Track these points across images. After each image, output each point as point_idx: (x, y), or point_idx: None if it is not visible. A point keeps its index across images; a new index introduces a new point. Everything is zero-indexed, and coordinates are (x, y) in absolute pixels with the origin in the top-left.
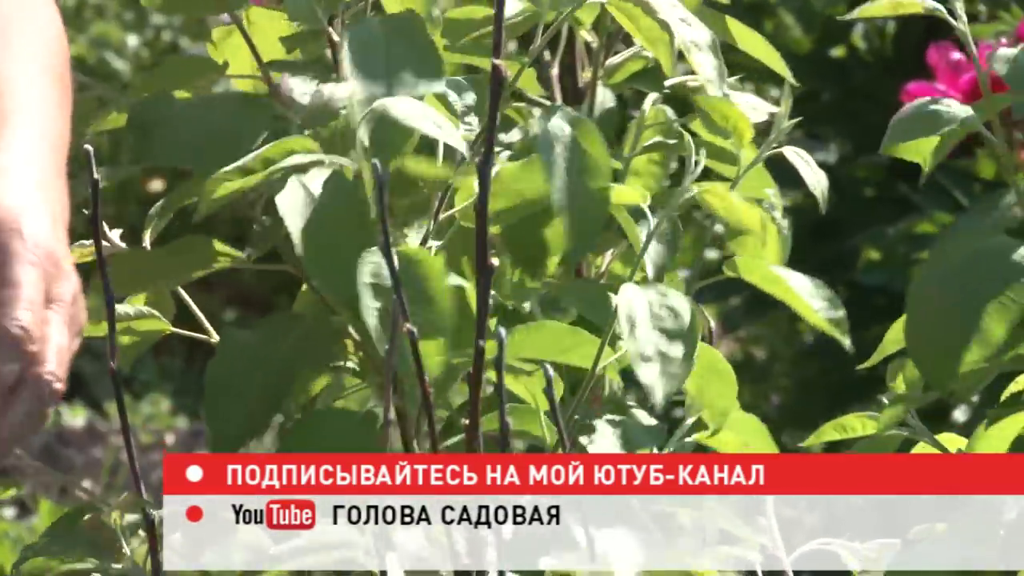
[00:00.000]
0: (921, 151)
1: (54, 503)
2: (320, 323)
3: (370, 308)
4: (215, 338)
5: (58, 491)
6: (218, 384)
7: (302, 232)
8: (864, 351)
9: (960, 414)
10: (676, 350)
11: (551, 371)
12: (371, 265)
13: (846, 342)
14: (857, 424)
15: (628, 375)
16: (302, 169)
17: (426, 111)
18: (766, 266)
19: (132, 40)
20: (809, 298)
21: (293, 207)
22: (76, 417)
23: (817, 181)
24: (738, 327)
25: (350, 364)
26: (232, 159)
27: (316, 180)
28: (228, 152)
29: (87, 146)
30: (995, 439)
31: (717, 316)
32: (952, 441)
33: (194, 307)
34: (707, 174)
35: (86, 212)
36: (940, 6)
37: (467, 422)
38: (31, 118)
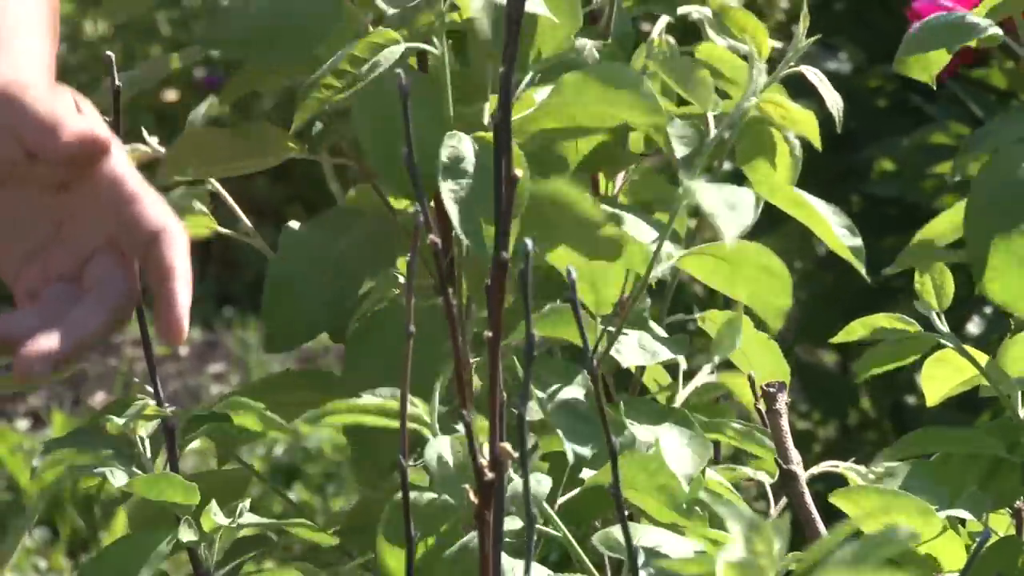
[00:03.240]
0: (929, 68)
1: (68, 415)
2: (382, 220)
3: (448, 191)
4: (255, 241)
5: (71, 403)
6: (280, 282)
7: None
8: (878, 262)
9: (974, 327)
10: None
11: (574, 273)
12: (449, 149)
13: (862, 270)
14: (885, 323)
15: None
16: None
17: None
18: (791, 188)
19: None
20: (834, 225)
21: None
22: None
23: (835, 101)
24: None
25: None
26: (305, 51)
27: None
28: (301, 43)
29: (108, 52)
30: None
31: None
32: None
33: (236, 209)
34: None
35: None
36: None
37: (489, 334)
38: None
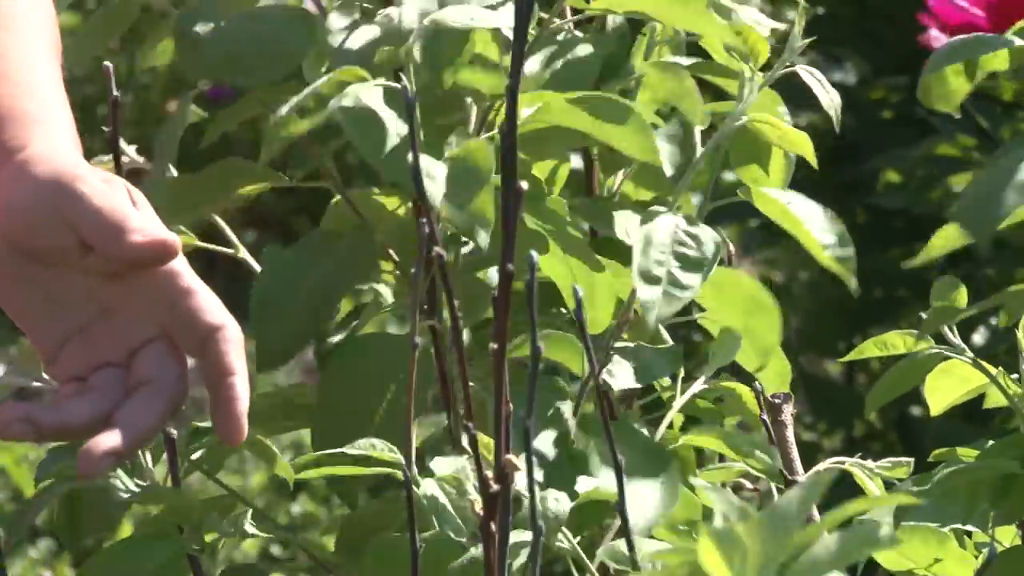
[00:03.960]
0: (953, 98)
1: None
2: (360, 241)
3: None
4: (243, 254)
5: None
6: (264, 301)
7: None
8: (884, 273)
9: (979, 337)
10: (690, 279)
11: (580, 292)
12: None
13: (852, 282)
14: (899, 341)
15: None
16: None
17: (480, 12)
18: (776, 197)
19: None
20: (819, 233)
21: (358, 124)
22: None
23: (831, 100)
24: (756, 250)
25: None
26: (280, 74)
27: (374, 97)
28: (276, 67)
29: (106, 63)
30: None
31: (735, 238)
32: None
33: (226, 228)
34: (718, 94)
35: (106, 130)
36: None
37: (494, 346)
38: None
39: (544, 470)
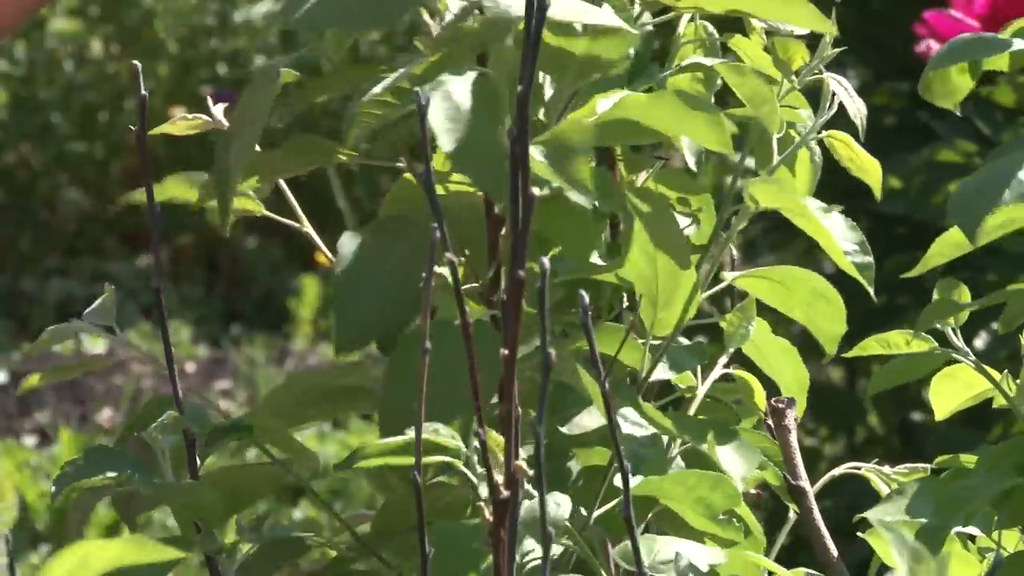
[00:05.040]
0: (954, 95)
1: (75, 432)
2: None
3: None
4: (307, 228)
5: (79, 419)
6: (346, 284)
7: (451, 133)
8: (885, 279)
9: (980, 342)
10: None
11: (586, 298)
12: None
13: (870, 288)
14: (900, 340)
15: None
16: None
17: (589, 9)
18: (796, 199)
19: None
20: (841, 240)
21: (440, 112)
22: (97, 345)
23: (857, 109)
24: (759, 254)
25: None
26: (380, 25)
27: (459, 87)
28: (377, 19)
29: (135, 61)
30: None
31: (738, 243)
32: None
33: (294, 203)
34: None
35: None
36: None
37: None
38: None
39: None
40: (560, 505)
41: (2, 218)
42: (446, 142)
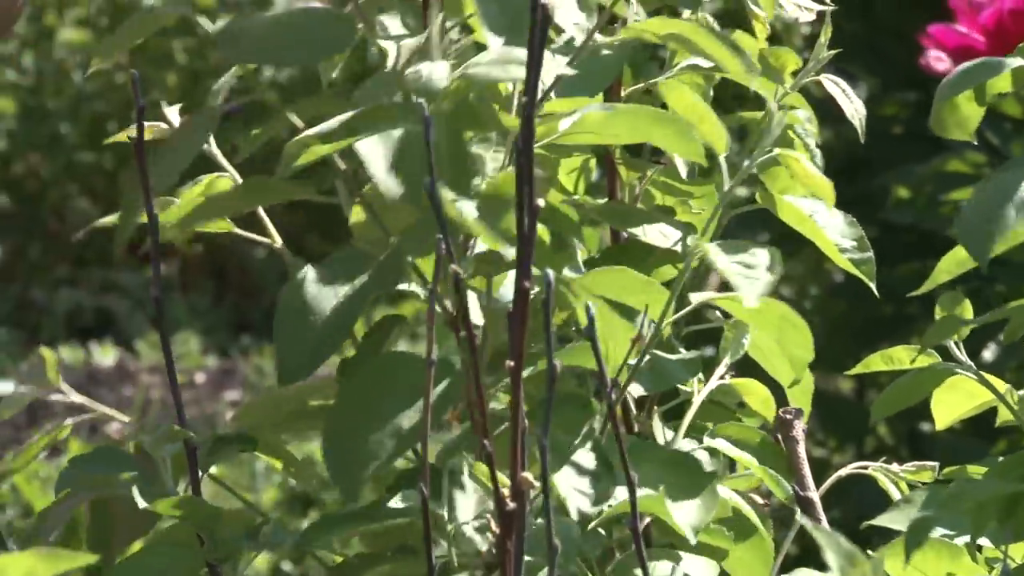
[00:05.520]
0: (967, 125)
1: (84, 442)
2: (391, 259)
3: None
4: (278, 242)
5: (88, 430)
6: (289, 317)
7: (387, 171)
8: (894, 289)
9: (989, 354)
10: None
11: (593, 309)
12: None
13: (872, 285)
14: (904, 355)
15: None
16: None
17: (504, 65)
18: (798, 205)
19: None
20: (838, 238)
21: (375, 153)
22: (106, 356)
23: (855, 110)
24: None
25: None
26: (315, 60)
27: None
28: (310, 54)
29: (133, 71)
30: None
31: None
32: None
33: (267, 220)
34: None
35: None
36: None
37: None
38: None
39: (588, 479)
40: (571, 529)
41: (11, 228)
42: (385, 188)
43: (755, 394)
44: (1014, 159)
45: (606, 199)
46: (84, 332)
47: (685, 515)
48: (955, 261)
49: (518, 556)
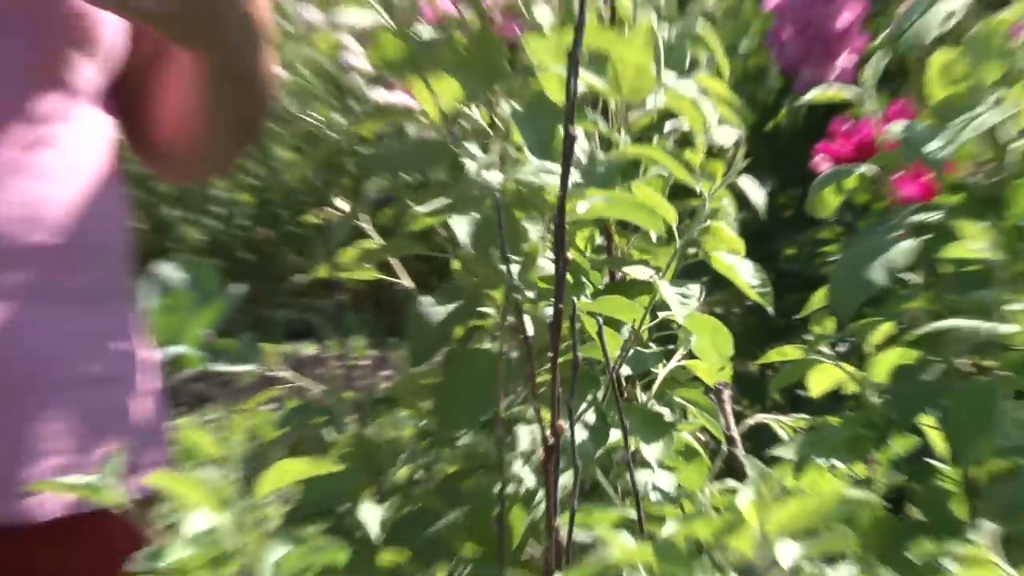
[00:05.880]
0: (827, 208)
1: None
2: (474, 291)
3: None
4: (408, 282)
5: (296, 395)
6: (417, 324)
7: (468, 237)
8: (785, 310)
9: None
10: (692, 298)
11: (600, 321)
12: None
13: (770, 308)
14: (791, 351)
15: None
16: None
17: (548, 173)
18: (726, 260)
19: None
20: (750, 279)
21: (461, 226)
22: (308, 350)
23: (759, 200)
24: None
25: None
26: (427, 169)
27: (473, 215)
28: (424, 166)
29: (321, 176)
30: (881, 364)
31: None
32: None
33: (402, 271)
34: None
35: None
36: (857, 92)
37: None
38: None
39: (588, 430)
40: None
41: (254, 273)
42: (466, 249)
43: (700, 370)
44: (860, 231)
45: (606, 255)
46: (294, 336)
47: (652, 452)
48: (820, 297)
49: (556, 473)
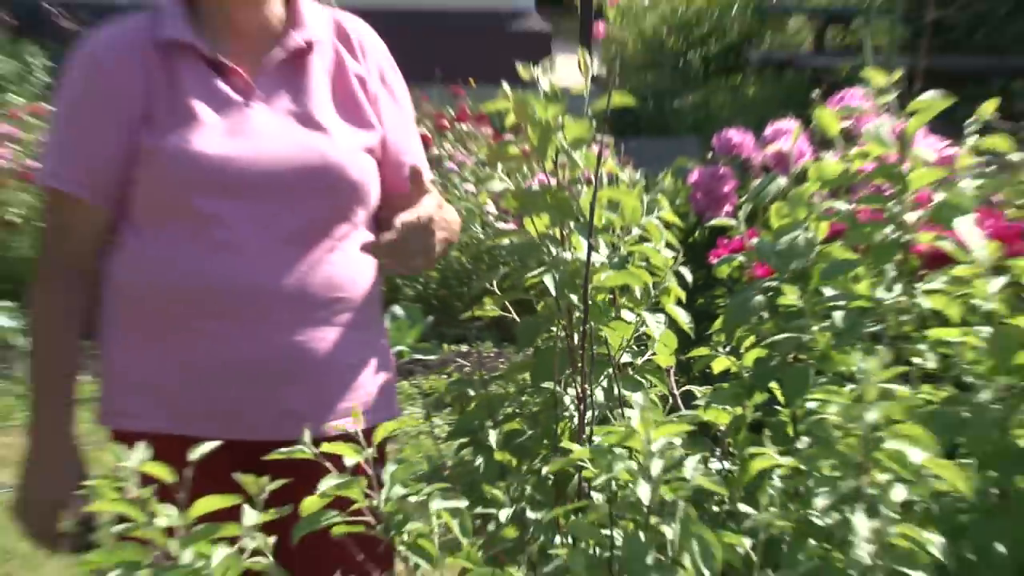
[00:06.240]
0: (723, 274)
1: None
2: (550, 314)
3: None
4: (514, 316)
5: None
6: (520, 330)
7: (554, 286)
8: (700, 331)
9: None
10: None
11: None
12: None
13: (691, 333)
14: (705, 351)
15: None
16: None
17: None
18: (671, 305)
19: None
20: (683, 315)
21: (549, 280)
22: (460, 349)
23: (687, 277)
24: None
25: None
26: (528, 270)
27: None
28: (528, 258)
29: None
30: (749, 357)
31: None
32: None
33: (512, 309)
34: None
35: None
36: (734, 223)
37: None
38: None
39: (602, 390)
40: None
41: (437, 311)
42: (551, 293)
43: (660, 360)
44: (736, 291)
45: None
46: (458, 342)
47: (636, 398)
48: (718, 324)
49: (584, 411)
